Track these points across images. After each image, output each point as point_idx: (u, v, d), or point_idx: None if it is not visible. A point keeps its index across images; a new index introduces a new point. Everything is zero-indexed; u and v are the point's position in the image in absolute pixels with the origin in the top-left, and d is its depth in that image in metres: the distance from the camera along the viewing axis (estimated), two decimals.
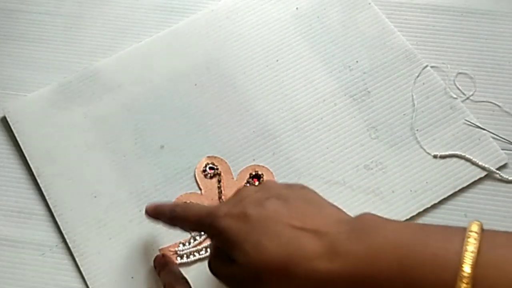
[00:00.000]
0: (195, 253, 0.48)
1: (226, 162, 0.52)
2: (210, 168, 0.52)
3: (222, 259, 0.37)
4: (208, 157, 0.53)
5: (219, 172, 0.52)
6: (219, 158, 0.53)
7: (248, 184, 0.51)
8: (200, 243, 0.49)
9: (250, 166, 0.52)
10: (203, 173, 0.52)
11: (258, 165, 0.52)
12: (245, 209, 0.35)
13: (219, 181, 0.52)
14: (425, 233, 0.32)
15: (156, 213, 0.44)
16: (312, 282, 0.32)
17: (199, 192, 0.51)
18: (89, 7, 0.62)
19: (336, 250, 0.32)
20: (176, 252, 0.48)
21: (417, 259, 0.31)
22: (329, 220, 0.34)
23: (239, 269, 0.34)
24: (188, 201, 0.50)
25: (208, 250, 0.48)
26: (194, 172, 0.52)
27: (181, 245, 0.49)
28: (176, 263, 0.48)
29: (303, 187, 0.39)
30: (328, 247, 0.32)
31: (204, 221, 0.38)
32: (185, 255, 0.48)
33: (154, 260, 0.48)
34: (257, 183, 0.51)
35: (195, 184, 0.52)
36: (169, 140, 0.54)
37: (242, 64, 0.57)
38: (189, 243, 0.49)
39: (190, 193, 0.51)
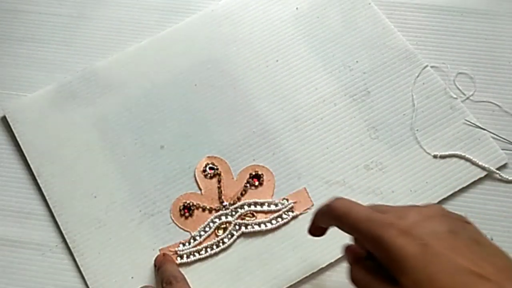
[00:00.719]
0: (195, 253, 0.48)
1: (226, 162, 0.52)
2: (210, 168, 0.52)
3: (379, 276, 0.35)
4: (208, 157, 0.53)
5: (219, 172, 0.52)
6: (219, 158, 0.53)
7: (248, 184, 0.51)
8: (200, 243, 0.49)
9: (250, 166, 0.52)
10: (203, 173, 0.52)
11: (258, 165, 0.52)
12: (423, 236, 0.33)
13: (219, 181, 0.52)
14: None
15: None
16: None
17: (199, 192, 0.51)
18: (89, 7, 0.62)
19: None
20: (176, 252, 0.48)
21: None
22: (508, 272, 0.32)
23: None
24: (189, 201, 0.51)
25: (208, 250, 0.48)
26: (194, 172, 0.52)
27: (181, 245, 0.49)
28: (176, 262, 0.48)
29: (469, 224, 0.37)
30: None
31: (372, 230, 0.35)
32: (185, 255, 0.48)
33: (155, 260, 0.48)
34: (257, 183, 0.51)
35: (195, 184, 0.52)
36: (169, 140, 0.54)
37: (242, 64, 0.57)
38: (189, 243, 0.49)
39: (190, 193, 0.51)
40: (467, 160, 0.51)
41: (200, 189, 0.51)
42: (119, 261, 0.49)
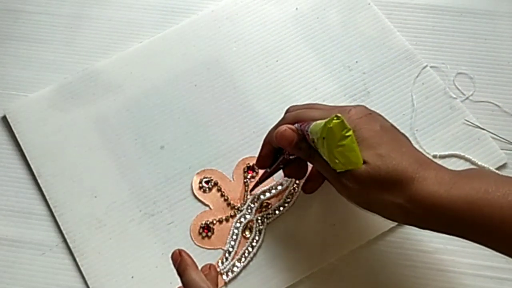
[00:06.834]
0: (236, 264, 0.48)
1: (217, 170, 0.52)
2: (206, 182, 0.52)
3: None
4: (198, 173, 0.52)
5: (215, 181, 0.52)
6: (208, 169, 0.52)
7: (247, 179, 0.51)
8: (236, 253, 0.48)
9: (240, 161, 0.52)
10: (201, 190, 0.51)
11: (246, 157, 0.52)
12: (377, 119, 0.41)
13: (219, 190, 0.51)
14: None
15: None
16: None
17: (207, 209, 0.51)
18: (89, 7, 0.62)
19: None
20: (220, 273, 0.48)
21: None
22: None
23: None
24: (204, 221, 0.50)
25: (247, 255, 0.48)
26: (194, 193, 0.51)
27: (219, 263, 0.48)
28: (195, 264, 0.43)
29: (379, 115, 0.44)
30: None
31: (332, 112, 0.40)
32: (229, 271, 0.48)
33: (172, 259, 0.44)
34: (254, 173, 0.51)
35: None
36: (169, 140, 0.54)
37: (242, 64, 0.57)
38: (226, 259, 0.48)
39: (201, 213, 0.50)
40: (467, 160, 0.52)
41: (208, 205, 0.51)
42: (119, 261, 0.49)
